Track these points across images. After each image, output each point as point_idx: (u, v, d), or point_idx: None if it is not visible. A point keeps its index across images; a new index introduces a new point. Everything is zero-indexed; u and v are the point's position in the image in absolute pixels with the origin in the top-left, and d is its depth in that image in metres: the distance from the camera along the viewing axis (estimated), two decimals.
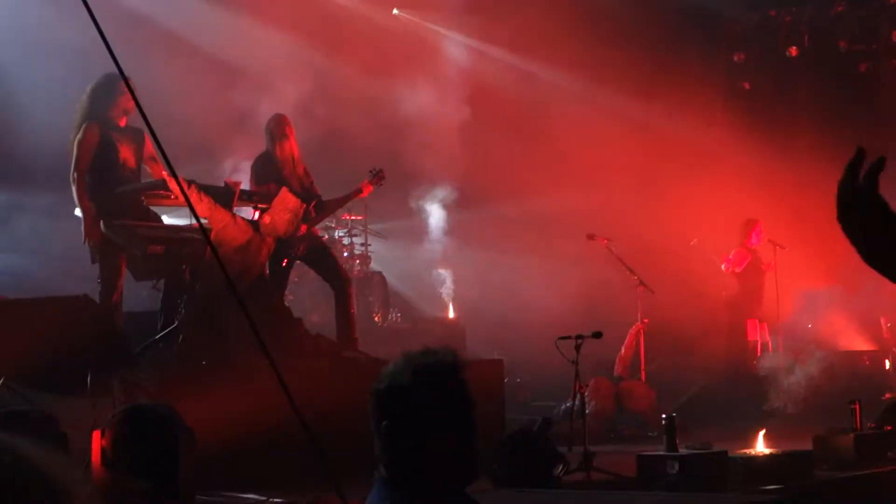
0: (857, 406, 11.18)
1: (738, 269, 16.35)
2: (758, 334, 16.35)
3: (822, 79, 20.10)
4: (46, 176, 13.93)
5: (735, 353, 16.34)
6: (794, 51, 20.24)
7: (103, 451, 4.37)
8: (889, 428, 11.39)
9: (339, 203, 12.91)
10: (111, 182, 10.69)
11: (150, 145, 10.74)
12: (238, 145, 13.90)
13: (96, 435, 4.44)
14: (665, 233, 17.29)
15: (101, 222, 10.63)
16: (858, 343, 16.95)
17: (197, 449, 4.50)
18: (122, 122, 10.88)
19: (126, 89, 10.00)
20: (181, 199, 10.22)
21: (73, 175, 10.68)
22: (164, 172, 10.41)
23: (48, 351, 9.13)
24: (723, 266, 16.41)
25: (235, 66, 15.92)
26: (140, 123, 4.59)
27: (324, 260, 12.48)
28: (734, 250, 16.43)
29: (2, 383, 8.89)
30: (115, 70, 4.64)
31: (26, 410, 7.91)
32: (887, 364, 16.72)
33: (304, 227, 11.82)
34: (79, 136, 10.70)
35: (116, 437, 4.37)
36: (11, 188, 14.92)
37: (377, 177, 12.62)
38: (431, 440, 3.41)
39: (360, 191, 12.60)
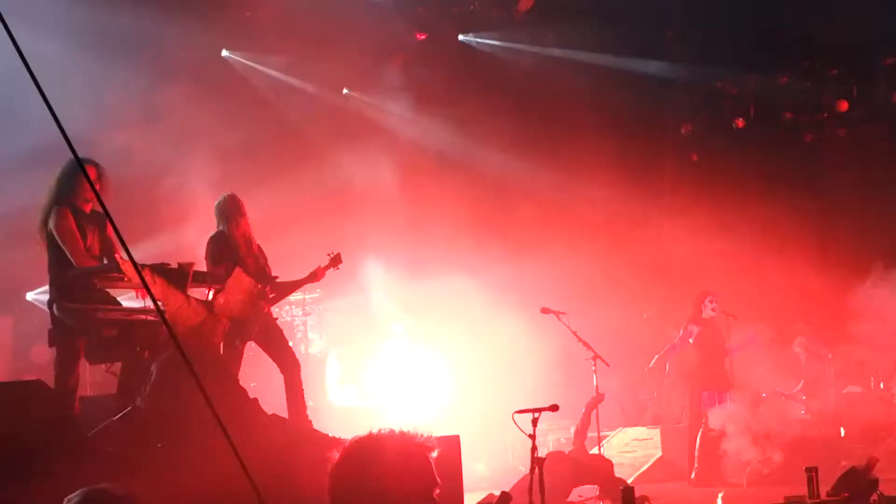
0: (815, 474, 11.23)
1: (689, 341, 16.46)
2: (714, 404, 16.36)
3: (768, 149, 20.32)
4: None
5: (692, 424, 16.38)
6: (740, 122, 20.49)
7: None
8: (846, 495, 11.42)
9: (295, 286, 12.88)
10: (70, 267, 10.66)
11: (109, 230, 10.76)
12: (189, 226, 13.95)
13: None
14: (619, 305, 17.39)
15: (55, 305, 10.60)
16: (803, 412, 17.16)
17: None
18: (87, 208, 10.87)
19: (90, 176, 10.05)
20: (135, 281, 10.21)
21: (72, 259, 10.62)
22: (117, 255, 10.40)
23: (1, 437, 9.06)
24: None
25: (181, 149, 15.96)
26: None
27: (275, 341, 12.42)
28: (683, 326, 16.52)
29: None
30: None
31: None
32: (843, 431, 16.83)
33: (259, 307, 11.80)
34: (54, 221, 10.67)
35: None
36: None
37: (333, 260, 12.66)
38: None
39: (315, 275, 12.61)
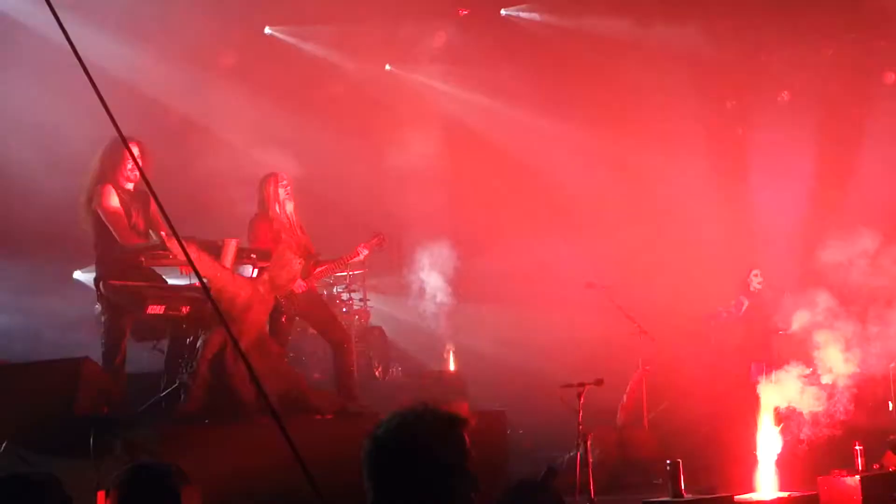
0: (862, 447, 11.16)
1: (738, 314, 16.45)
2: (762, 377, 16.31)
3: (814, 123, 20.10)
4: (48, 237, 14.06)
5: (739, 397, 16.33)
6: (786, 95, 20.29)
7: None
8: (894, 468, 11.36)
9: (338, 263, 12.95)
10: (115, 245, 10.72)
11: (154, 207, 10.80)
12: (234, 204, 13.99)
13: (101, 495, 4.44)
14: (665, 280, 17.33)
15: (101, 283, 10.66)
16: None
17: None
18: (131, 186, 10.93)
19: (133, 155, 10.10)
20: (180, 258, 10.25)
21: (118, 237, 10.69)
22: (162, 232, 10.44)
23: (51, 414, 9.15)
24: (724, 313, 16.51)
25: (227, 126, 15.98)
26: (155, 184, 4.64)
27: (322, 316, 12.48)
28: (734, 299, 16.51)
29: (3, 446, 8.89)
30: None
31: (28, 473, 7.89)
32: (891, 405, 16.71)
33: (304, 284, 11.84)
34: (98, 200, 10.73)
35: (121, 497, 4.38)
36: (11, 248, 14.96)
37: (376, 238, 12.69)
38: (423, 490, 3.40)
39: (357, 253, 12.67)
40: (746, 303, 16.42)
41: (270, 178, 12.36)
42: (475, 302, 18.67)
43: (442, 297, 18.50)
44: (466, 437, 3.50)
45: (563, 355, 16.20)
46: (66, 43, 4.32)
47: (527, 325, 18.23)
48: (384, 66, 19.53)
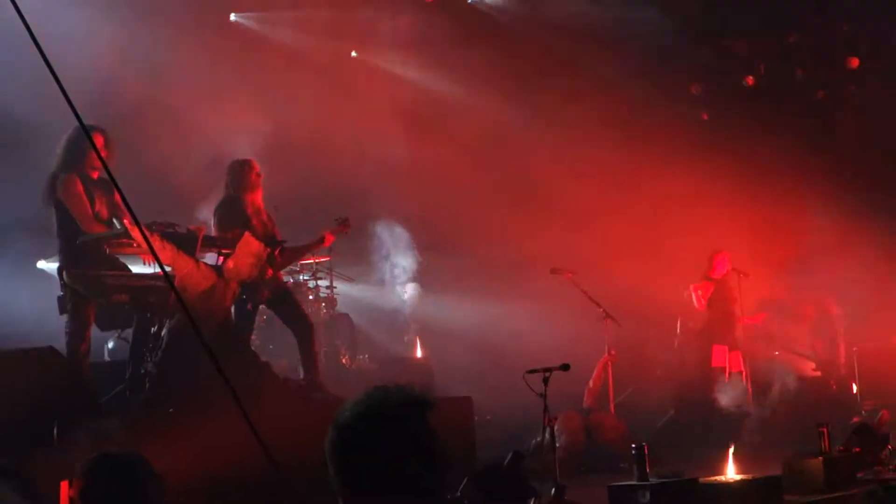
0: (825, 430, 11.22)
1: (703, 300, 16.49)
2: (725, 361, 16.38)
3: (780, 107, 20.18)
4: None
5: (702, 380, 16.40)
6: (750, 80, 20.36)
7: (72, 500, 4.37)
8: (857, 450, 11.44)
9: (303, 250, 12.92)
10: (79, 233, 10.66)
11: (117, 194, 10.73)
12: (201, 191, 13.93)
13: (64, 485, 4.43)
14: (630, 265, 17.38)
15: (65, 272, 10.61)
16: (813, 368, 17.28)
17: (166, 495, 4.49)
18: (95, 175, 10.87)
19: (96, 143, 10.04)
20: (144, 246, 10.21)
21: (81, 225, 10.63)
22: (126, 220, 10.39)
23: (14, 403, 9.11)
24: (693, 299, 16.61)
25: (192, 112, 15.89)
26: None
27: (287, 305, 12.42)
28: (700, 283, 16.55)
29: None
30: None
31: None
32: (854, 388, 16.85)
33: (269, 271, 11.80)
34: (61, 188, 10.66)
35: (85, 487, 4.37)
36: None
37: (342, 224, 12.64)
38: (390, 475, 3.39)
39: (322, 239, 12.63)
40: (710, 287, 16.49)
41: (240, 164, 12.30)
42: (442, 288, 18.69)
43: (409, 283, 18.51)
44: (432, 421, 3.48)
45: (530, 341, 16.23)
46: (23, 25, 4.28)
47: (493, 311, 18.25)
48: (350, 53, 19.50)
